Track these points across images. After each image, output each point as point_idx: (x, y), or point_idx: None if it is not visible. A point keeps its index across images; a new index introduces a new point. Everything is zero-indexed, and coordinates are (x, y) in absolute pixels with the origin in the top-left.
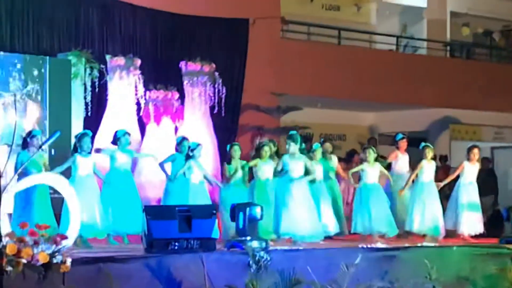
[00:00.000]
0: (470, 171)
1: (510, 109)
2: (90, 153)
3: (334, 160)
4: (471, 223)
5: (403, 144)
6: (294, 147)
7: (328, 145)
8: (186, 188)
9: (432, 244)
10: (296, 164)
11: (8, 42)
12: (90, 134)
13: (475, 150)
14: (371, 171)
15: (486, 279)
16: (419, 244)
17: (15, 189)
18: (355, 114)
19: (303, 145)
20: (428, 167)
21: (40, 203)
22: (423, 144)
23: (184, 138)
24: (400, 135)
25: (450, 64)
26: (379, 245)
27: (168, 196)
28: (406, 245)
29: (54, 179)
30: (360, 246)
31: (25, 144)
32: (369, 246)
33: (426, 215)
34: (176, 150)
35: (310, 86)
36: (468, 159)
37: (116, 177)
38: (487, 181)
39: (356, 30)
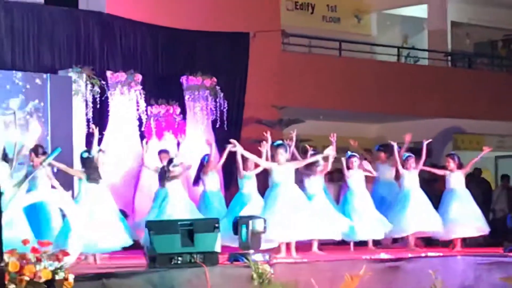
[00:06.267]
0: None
1: None
2: None
3: None
4: None
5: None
6: (285, 156)
7: None
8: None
9: (437, 254)
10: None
11: (9, 60)
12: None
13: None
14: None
15: None
16: (423, 254)
17: (19, 205)
18: (358, 126)
19: None
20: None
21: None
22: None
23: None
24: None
25: (452, 74)
26: (383, 256)
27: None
28: (410, 255)
29: (56, 196)
30: (363, 257)
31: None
32: (372, 257)
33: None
34: None
35: (311, 98)
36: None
37: None
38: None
39: (357, 41)
